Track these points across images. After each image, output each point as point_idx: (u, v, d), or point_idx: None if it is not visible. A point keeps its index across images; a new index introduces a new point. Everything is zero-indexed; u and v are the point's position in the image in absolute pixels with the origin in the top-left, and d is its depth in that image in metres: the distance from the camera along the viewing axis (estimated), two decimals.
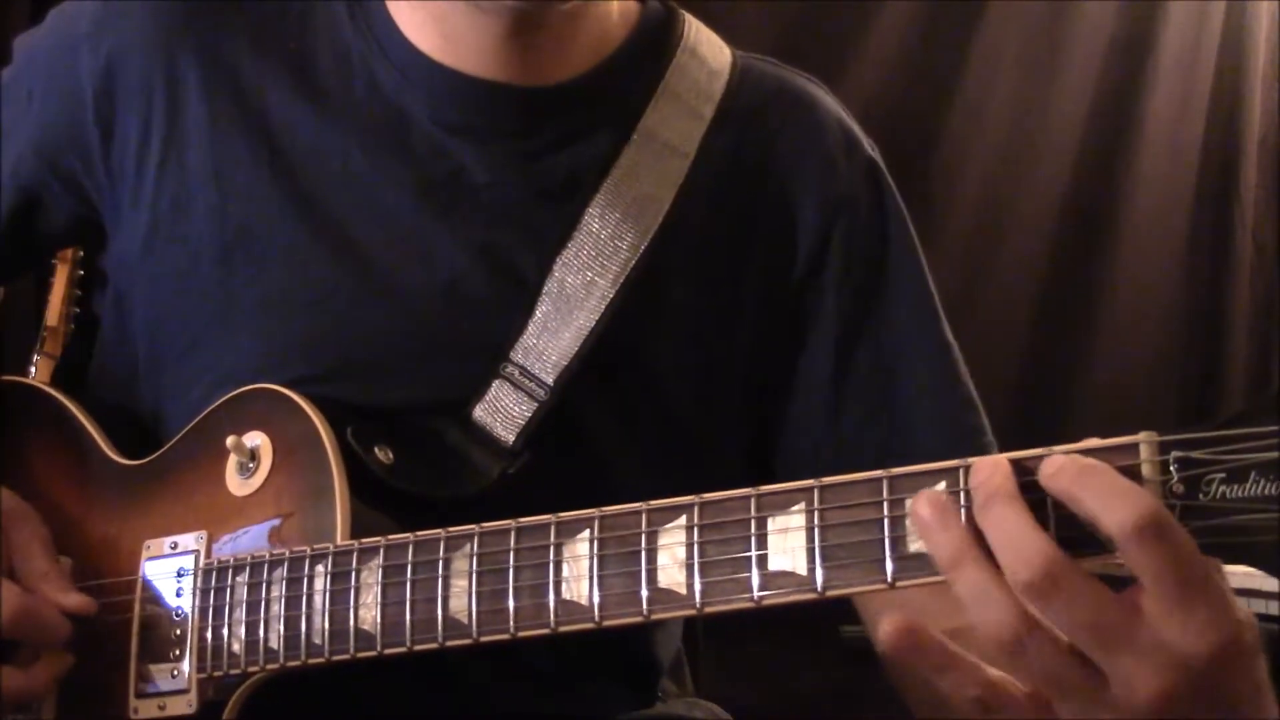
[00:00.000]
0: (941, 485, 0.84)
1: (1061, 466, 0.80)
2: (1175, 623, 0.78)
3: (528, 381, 1.15)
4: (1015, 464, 0.82)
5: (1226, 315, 3.48)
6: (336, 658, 1.03)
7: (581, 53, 1.23)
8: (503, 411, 1.15)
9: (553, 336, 1.16)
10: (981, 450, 1.21)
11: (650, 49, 1.25)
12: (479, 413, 1.15)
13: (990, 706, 0.83)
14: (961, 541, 0.82)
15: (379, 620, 1.02)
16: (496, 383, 1.15)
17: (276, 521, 1.10)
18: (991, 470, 0.82)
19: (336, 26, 1.24)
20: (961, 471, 0.84)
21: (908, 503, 0.85)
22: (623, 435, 1.20)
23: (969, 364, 1.28)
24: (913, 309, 1.26)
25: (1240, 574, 1.97)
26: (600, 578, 0.94)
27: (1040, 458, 0.82)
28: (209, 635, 1.09)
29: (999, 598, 0.80)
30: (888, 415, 1.24)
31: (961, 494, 0.84)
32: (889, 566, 0.85)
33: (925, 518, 0.83)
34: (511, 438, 1.14)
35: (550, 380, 1.15)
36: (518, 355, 1.16)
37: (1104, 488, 0.79)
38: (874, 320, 1.25)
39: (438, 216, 1.19)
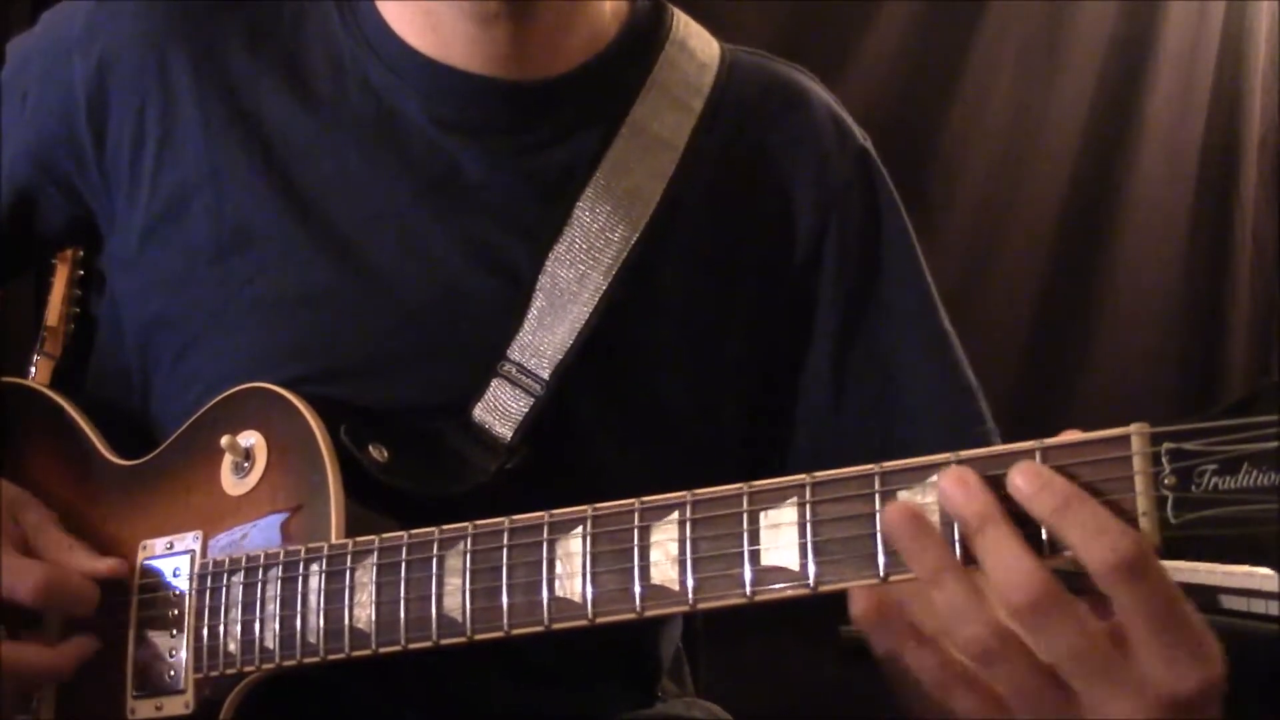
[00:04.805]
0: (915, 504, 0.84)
1: (1040, 490, 0.81)
2: (1159, 661, 0.79)
3: (525, 378, 1.15)
4: (992, 478, 0.82)
5: (1226, 315, 3.47)
6: (332, 657, 1.03)
7: (574, 48, 1.23)
8: (501, 409, 1.15)
9: (548, 332, 1.16)
10: (982, 438, 1.21)
11: (639, 43, 1.26)
12: (478, 412, 1.15)
13: (946, 687, 0.83)
14: (941, 556, 0.83)
15: (374, 619, 1.02)
16: (495, 381, 1.15)
17: (271, 521, 1.10)
18: (966, 488, 0.82)
19: (328, 27, 1.24)
20: (937, 479, 0.84)
21: (901, 495, 0.85)
22: (619, 428, 1.20)
23: (970, 363, 1.28)
24: (909, 298, 1.26)
25: (1240, 574, 1.97)
26: (593, 575, 0.95)
27: (1011, 455, 0.82)
28: (205, 635, 1.09)
29: (978, 614, 0.81)
30: (888, 405, 1.24)
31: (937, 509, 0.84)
32: (881, 560, 0.86)
33: (899, 531, 0.83)
34: (509, 434, 1.14)
35: (546, 375, 1.15)
36: (514, 353, 1.16)
37: (1085, 524, 0.79)
38: (870, 311, 1.25)
39: (433, 215, 1.19)
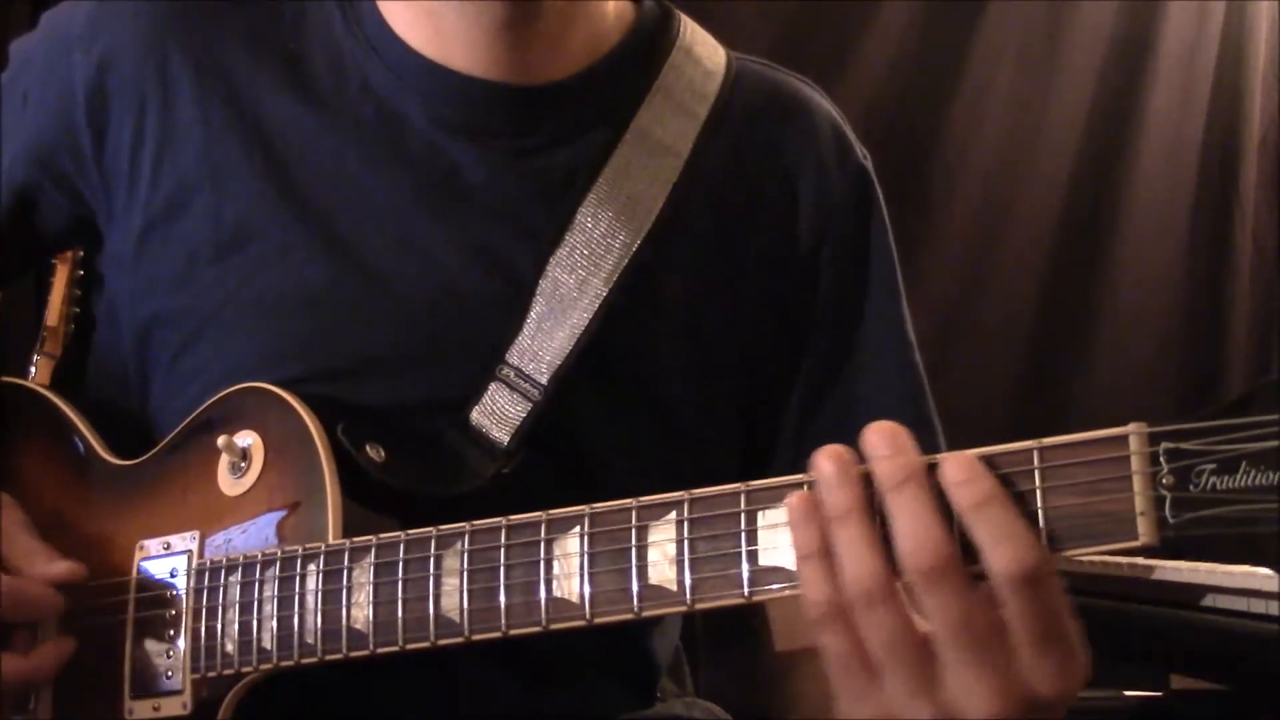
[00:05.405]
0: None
1: (965, 481, 0.82)
2: (1030, 662, 0.82)
3: (523, 383, 1.15)
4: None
5: (1226, 315, 3.47)
6: (330, 657, 1.03)
7: (576, 52, 1.23)
8: (498, 413, 1.15)
9: (547, 337, 1.16)
10: None
11: (645, 49, 1.25)
12: (476, 415, 1.15)
13: (824, 618, 0.85)
14: (854, 497, 0.84)
15: (371, 619, 1.02)
16: (493, 385, 1.15)
17: (269, 520, 1.10)
18: (895, 445, 0.84)
19: (329, 27, 1.24)
20: (864, 432, 0.86)
21: (811, 467, 0.86)
22: (617, 434, 1.20)
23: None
24: (884, 326, 1.27)
25: (1240, 574, 1.97)
26: (591, 575, 0.95)
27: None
28: (203, 635, 1.09)
29: (870, 556, 0.83)
30: (848, 431, 1.24)
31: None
32: None
33: (826, 471, 0.85)
34: (506, 439, 1.14)
35: (544, 381, 1.15)
36: (513, 357, 1.16)
37: (995, 525, 0.81)
38: (848, 334, 1.26)
39: (433, 216, 1.19)
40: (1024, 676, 0.82)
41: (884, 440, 0.85)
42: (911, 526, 0.83)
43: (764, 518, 0.89)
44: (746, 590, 0.89)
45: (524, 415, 1.15)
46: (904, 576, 0.83)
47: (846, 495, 0.85)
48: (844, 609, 0.84)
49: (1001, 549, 0.81)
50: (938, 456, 0.84)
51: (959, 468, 0.83)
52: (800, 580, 0.86)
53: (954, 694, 0.83)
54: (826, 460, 0.86)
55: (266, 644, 1.06)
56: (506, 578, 0.97)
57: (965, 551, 0.83)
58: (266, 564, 1.07)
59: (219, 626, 1.08)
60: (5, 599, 1.10)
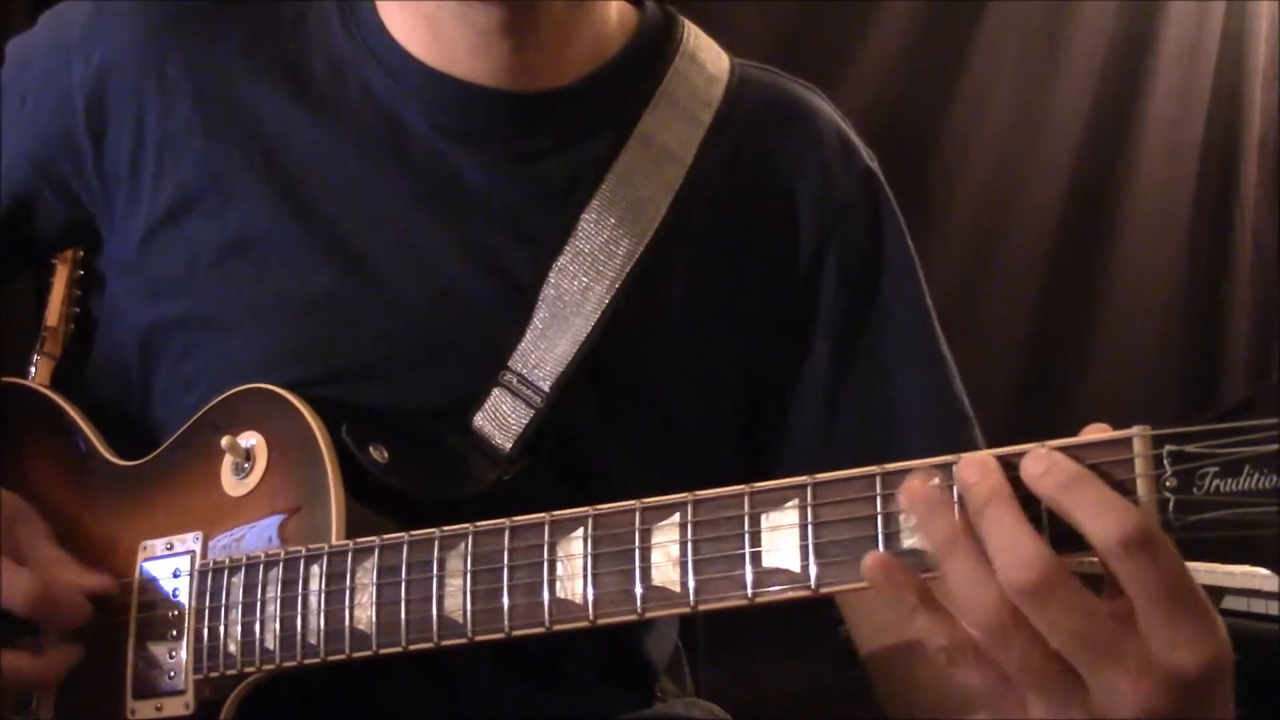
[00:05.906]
0: (934, 481, 0.84)
1: (1047, 470, 0.81)
2: (1163, 637, 0.79)
3: (525, 389, 1.15)
4: (1003, 460, 0.82)
5: (1226, 315, 3.48)
6: (332, 658, 1.03)
7: (578, 58, 1.23)
8: (501, 419, 1.15)
9: (550, 343, 1.16)
10: None
11: (648, 54, 1.25)
12: (479, 421, 1.15)
13: (953, 658, 0.83)
14: (955, 529, 0.82)
15: (374, 620, 1.02)
16: (496, 391, 1.15)
17: (272, 521, 1.10)
18: (983, 470, 0.82)
19: (329, 30, 1.23)
20: (955, 468, 0.84)
21: (901, 498, 0.85)
22: (619, 440, 1.20)
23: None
24: (907, 322, 1.26)
25: (1240, 574, 1.97)
26: (594, 576, 0.94)
27: (1013, 456, 0.82)
28: (205, 636, 1.09)
29: (988, 588, 0.81)
30: (879, 429, 1.23)
31: (954, 488, 0.84)
32: None
33: (921, 502, 0.83)
34: (509, 445, 1.14)
35: (547, 387, 1.15)
36: (516, 363, 1.16)
37: (1092, 500, 0.79)
38: (867, 334, 1.25)
39: (434, 221, 1.19)
40: (1163, 656, 0.79)
41: (971, 470, 0.82)
42: (1004, 543, 0.80)
43: (767, 519, 0.89)
44: (750, 592, 0.89)
45: (526, 421, 1.14)
46: (1010, 599, 0.80)
47: (948, 524, 0.83)
48: (972, 644, 0.82)
49: (1104, 519, 0.78)
50: (1012, 457, 0.82)
51: (1035, 461, 0.81)
52: (915, 630, 0.83)
53: (1100, 699, 0.80)
54: (918, 492, 0.83)
55: (269, 644, 1.06)
56: (510, 579, 0.97)
57: (1064, 545, 0.80)
58: (269, 565, 1.07)
59: (222, 627, 1.08)
60: (40, 599, 1.10)
